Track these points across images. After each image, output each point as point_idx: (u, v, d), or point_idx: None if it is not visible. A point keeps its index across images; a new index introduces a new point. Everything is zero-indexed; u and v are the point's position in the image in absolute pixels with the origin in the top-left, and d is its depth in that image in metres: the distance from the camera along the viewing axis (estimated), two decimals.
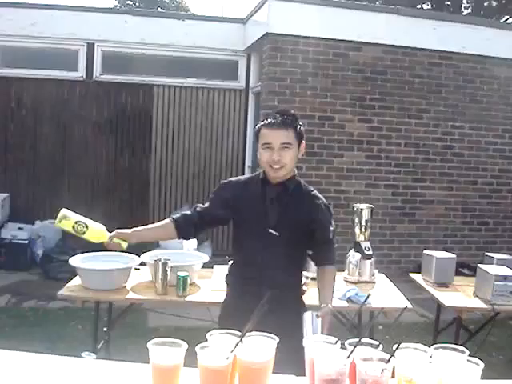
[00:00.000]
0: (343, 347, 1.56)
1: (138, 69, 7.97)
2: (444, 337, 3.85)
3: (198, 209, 2.61)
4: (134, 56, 7.93)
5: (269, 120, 2.42)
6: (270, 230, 2.42)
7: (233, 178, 2.70)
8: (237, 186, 2.60)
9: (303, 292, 2.70)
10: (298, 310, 2.42)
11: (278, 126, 2.39)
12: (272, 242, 2.42)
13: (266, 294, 1.70)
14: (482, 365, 1.45)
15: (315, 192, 2.58)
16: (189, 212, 2.62)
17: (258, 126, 2.47)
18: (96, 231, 2.51)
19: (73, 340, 4.44)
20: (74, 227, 2.46)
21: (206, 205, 2.62)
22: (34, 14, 7.39)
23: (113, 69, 7.82)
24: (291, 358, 1.74)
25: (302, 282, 2.69)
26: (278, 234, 2.42)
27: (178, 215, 2.60)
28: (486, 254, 4.14)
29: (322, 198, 2.57)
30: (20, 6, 7.46)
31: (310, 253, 2.57)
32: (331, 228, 2.53)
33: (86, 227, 2.47)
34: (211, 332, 1.60)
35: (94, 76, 7.73)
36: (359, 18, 6.92)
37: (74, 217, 2.49)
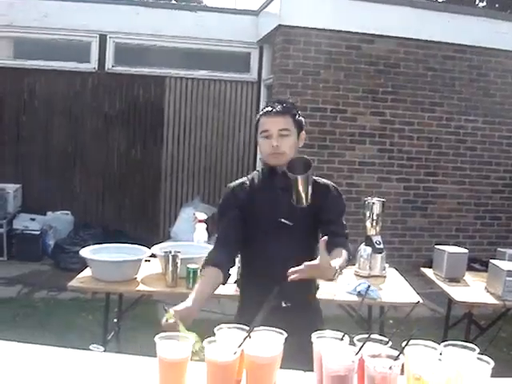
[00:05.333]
0: (352, 343, 1.55)
1: (150, 60, 7.96)
2: (455, 332, 3.83)
3: (224, 242, 2.37)
4: (146, 48, 7.92)
5: (266, 108, 2.37)
6: (283, 220, 2.31)
7: (234, 184, 2.48)
8: (242, 188, 2.44)
9: (317, 287, 2.52)
10: (309, 305, 2.41)
11: (276, 113, 2.33)
12: (284, 233, 2.32)
13: (275, 288, 1.68)
14: (492, 363, 1.43)
15: (325, 180, 2.45)
16: (220, 251, 2.34)
17: (258, 116, 2.41)
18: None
19: (83, 330, 4.46)
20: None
21: (222, 230, 2.41)
22: (45, 6, 7.38)
23: (125, 60, 7.81)
24: (299, 353, 1.73)
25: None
26: (291, 224, 2.31)
27: (214, 259, 2.29)
28: (498, 249, 4.11)
29: (331, 185, 2.45)
30: None
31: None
32: (343, 222, 2.41)
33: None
34: (219, 326, 1.59)
35: (106, 68, 7.72)
36: (372, 10, 6.85)
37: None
